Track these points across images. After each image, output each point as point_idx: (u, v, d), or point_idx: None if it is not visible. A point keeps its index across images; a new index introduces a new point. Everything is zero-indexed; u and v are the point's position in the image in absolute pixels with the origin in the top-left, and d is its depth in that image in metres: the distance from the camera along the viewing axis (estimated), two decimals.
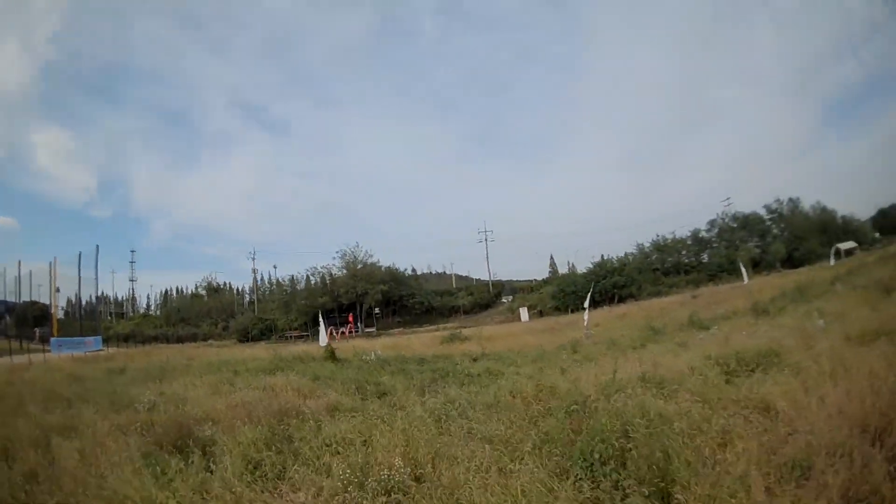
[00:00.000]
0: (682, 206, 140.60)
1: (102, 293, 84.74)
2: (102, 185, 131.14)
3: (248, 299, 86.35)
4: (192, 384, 12.97)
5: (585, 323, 23.14)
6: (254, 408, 8.21)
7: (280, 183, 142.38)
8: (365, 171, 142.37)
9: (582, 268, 76.91)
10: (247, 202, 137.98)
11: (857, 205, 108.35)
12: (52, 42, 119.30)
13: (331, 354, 18.44)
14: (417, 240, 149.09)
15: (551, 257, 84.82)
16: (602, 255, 73.65)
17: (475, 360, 17.60)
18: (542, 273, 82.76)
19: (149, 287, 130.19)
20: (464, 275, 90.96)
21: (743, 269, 34.96)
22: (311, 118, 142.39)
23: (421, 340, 31.24)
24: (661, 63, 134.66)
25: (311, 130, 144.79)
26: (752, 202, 74.94)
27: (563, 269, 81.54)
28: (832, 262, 39.28)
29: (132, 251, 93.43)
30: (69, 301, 53.12)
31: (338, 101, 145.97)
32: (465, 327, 49.97)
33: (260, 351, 28.46)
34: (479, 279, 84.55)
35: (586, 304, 23.93)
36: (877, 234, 63.10)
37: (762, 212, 71.55)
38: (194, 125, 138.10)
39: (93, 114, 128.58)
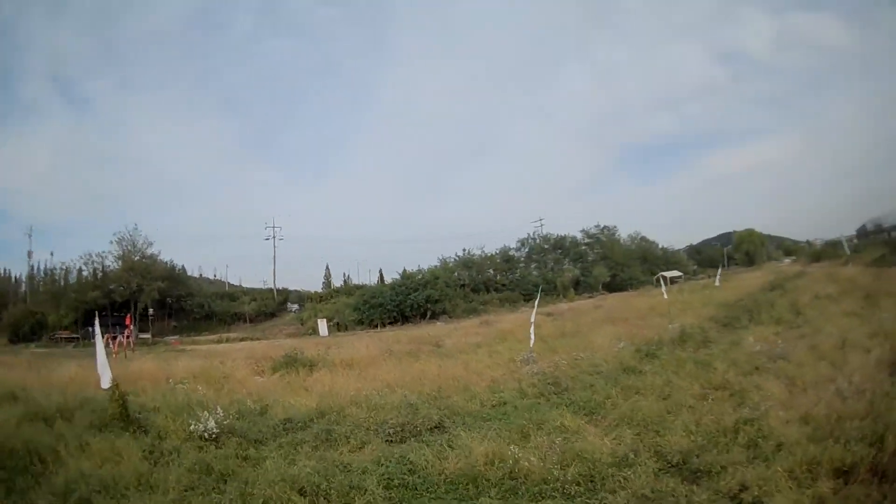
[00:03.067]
0: (466, 226, 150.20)
1: None
2: None
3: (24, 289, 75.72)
4: None
5: (532, 341, 15.34)
6: None
7: (75, 164, 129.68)
8: (152, 162, 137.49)
9: (358, 280, 79.04)
10: (41, 181, 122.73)
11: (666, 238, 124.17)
12: None
13: (121, 412, 8.82)
14: (189, 241, 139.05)
15: (327, 267, 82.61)
16: (380, 269, 76.13)
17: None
18: (314, 283, 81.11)
19: None
20: (236, 283, 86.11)
21: (662, 283, 31.02)
22: (115, 99, 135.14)
23: (234, 361, 19.91)
24: (459, 91, 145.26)
25: (112, 112, 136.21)
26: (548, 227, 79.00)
27: (337, 281, 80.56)
28: (717, 281, 37.77)
29: None
30: None
31: (141, 85, 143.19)
32: (251, 338, 47.23)
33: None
34: (253, 287, 79.49)
35: (532, 318, 16.45)
36: (695, 266, 69.11)
37: (578, 236, 75.11)
38: (9, 90, 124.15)
39: None
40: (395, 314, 56.49)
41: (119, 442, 7.68)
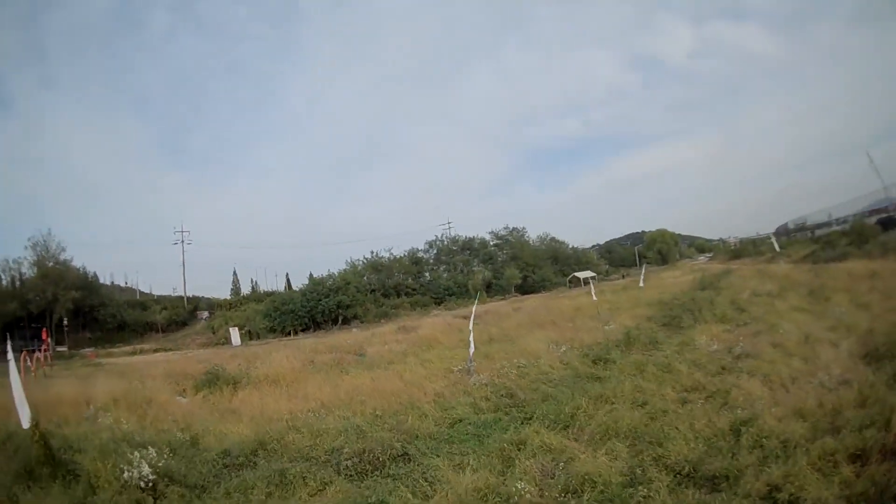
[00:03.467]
0: (375, 229, 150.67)
1: None
2: None
3: None
4: None
5: (471, 352, 14.44)
6: None
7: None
8: (62, 163, 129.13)
9: (265, 286, 78.27)
10: None
11: (575, 239, 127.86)
12: None
13: (46, 454, 7.60)
14: (100, 247, 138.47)
15: (234, 273, 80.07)
16: (287, 274, 76.55)
17: None
18: (222, 289, 79.41)
19: None
20: (146, 290, 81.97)
21: (591, 284, 31.29)
22: (36, 98, 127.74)
23: (154, 380, 18.64)
24: (367, 93, 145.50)
25: (33, 111, 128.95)
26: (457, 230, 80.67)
27: (245, 287, 79.14)
28: (642, 281, 37.38)
29: None
30: None
31: (60, 83, 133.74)
32: (165, 349, 47.61)
33: None
34: (163, 294, 78.15)
35: (471, 326, 15.49)
36: (607, 266, 71.00)
37: (487, 237, 76.11)
38: None
39: None
40: (306, 320, 56.75)
41: (49, 500, 6.50)
